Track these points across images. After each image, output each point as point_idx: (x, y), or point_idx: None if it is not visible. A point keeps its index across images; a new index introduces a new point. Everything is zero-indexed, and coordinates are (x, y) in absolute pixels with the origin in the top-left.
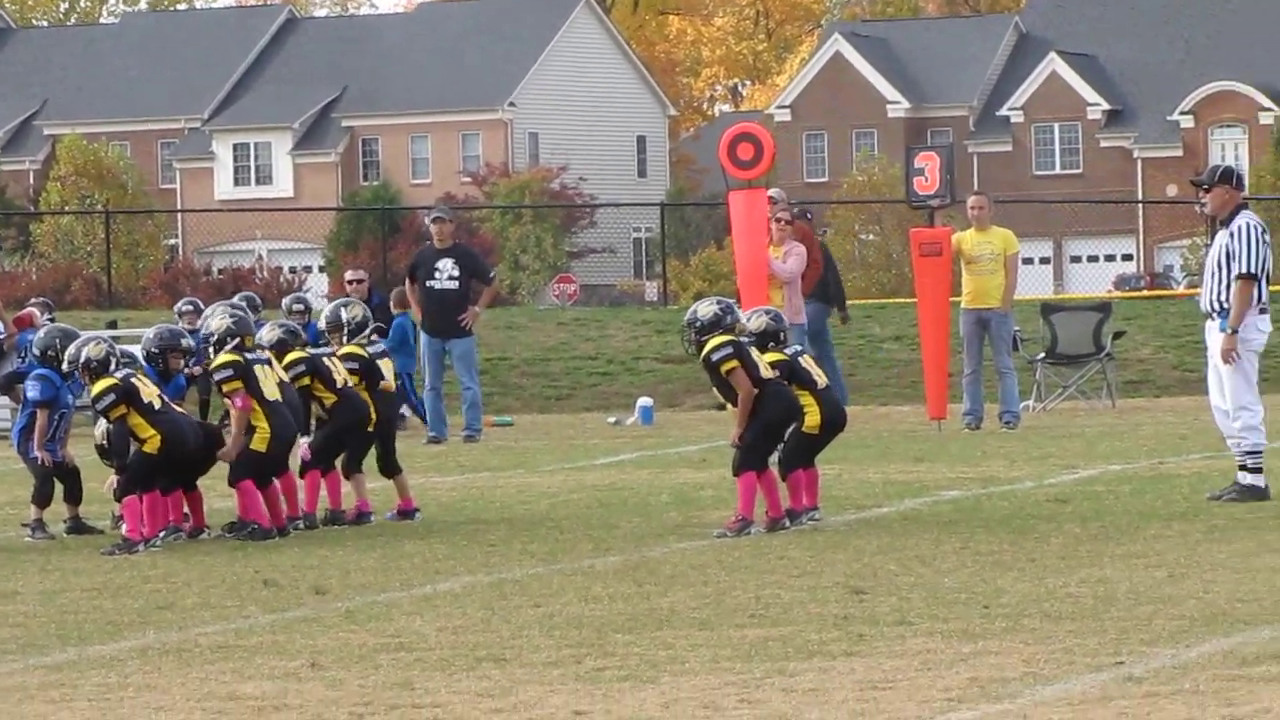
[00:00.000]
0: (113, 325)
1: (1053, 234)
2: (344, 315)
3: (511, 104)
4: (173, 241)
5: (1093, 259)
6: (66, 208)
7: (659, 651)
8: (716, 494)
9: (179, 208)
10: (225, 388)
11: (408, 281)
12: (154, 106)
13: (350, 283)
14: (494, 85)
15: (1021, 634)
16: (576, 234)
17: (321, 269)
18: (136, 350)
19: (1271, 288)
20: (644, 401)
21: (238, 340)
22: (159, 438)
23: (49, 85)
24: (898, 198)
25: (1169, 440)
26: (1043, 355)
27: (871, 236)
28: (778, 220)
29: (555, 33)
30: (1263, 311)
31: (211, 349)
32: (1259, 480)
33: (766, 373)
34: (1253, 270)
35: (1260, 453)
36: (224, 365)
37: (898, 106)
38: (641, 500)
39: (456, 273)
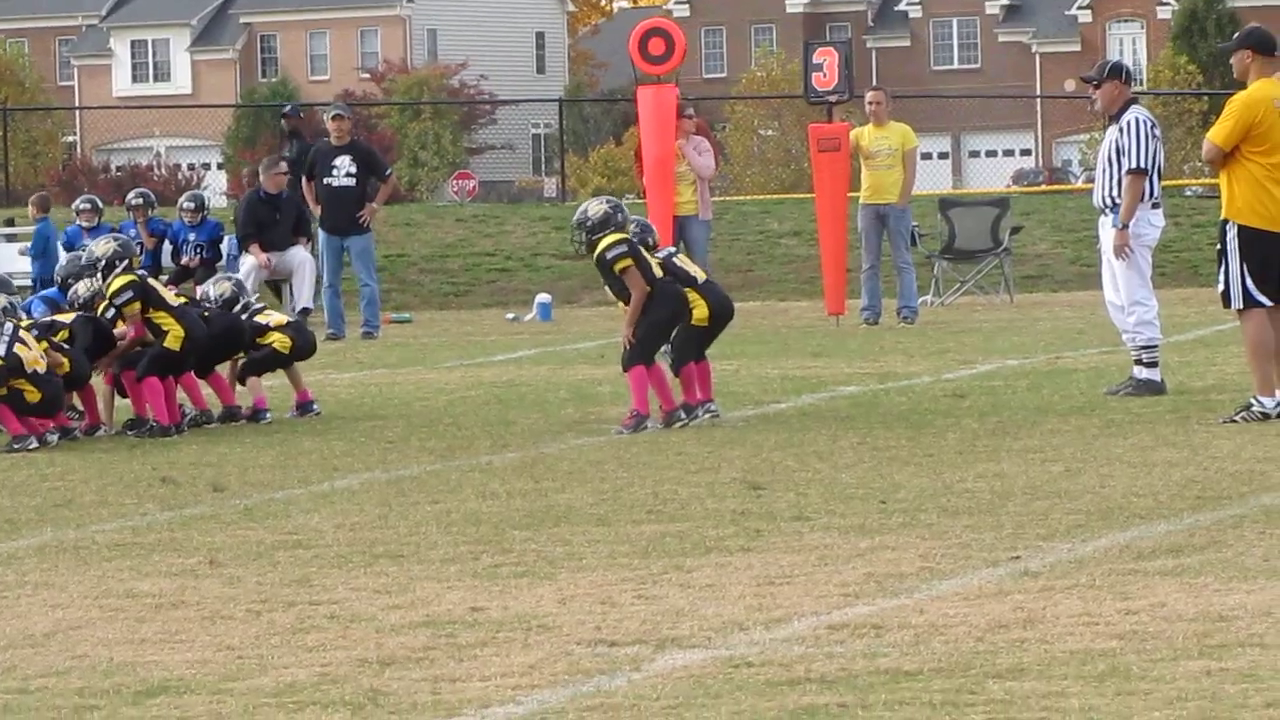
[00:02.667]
0: (10, 223)
1: (951, 129)
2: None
3: (410, 0)
4: (71, 139)
5: (991, 154)
6: None
7: (556, 548)
8: (614, 390)
9: (77, 105)
10: (126, 310)
11: (304, 179)
12: (51, 3)
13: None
14: None
15: (918, 529)
16: (475, 131)
17: (220, 166)
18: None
19: (1165, 183)
20: (542, 298)
21: (126, 262)
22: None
23: None
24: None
25: (1066, 335)
26: (941, 250)
27: (770, 132)
28: (685, 116)
29: None
30: (1155, 206)
31: (100, 275)
32: (1154, 374)
33: (657, 271)
34: (1142, 165)
35: (1155, 347)
36: (123, 288)
37: (796, 2)
38: (539, 397)
39: (354, 170)
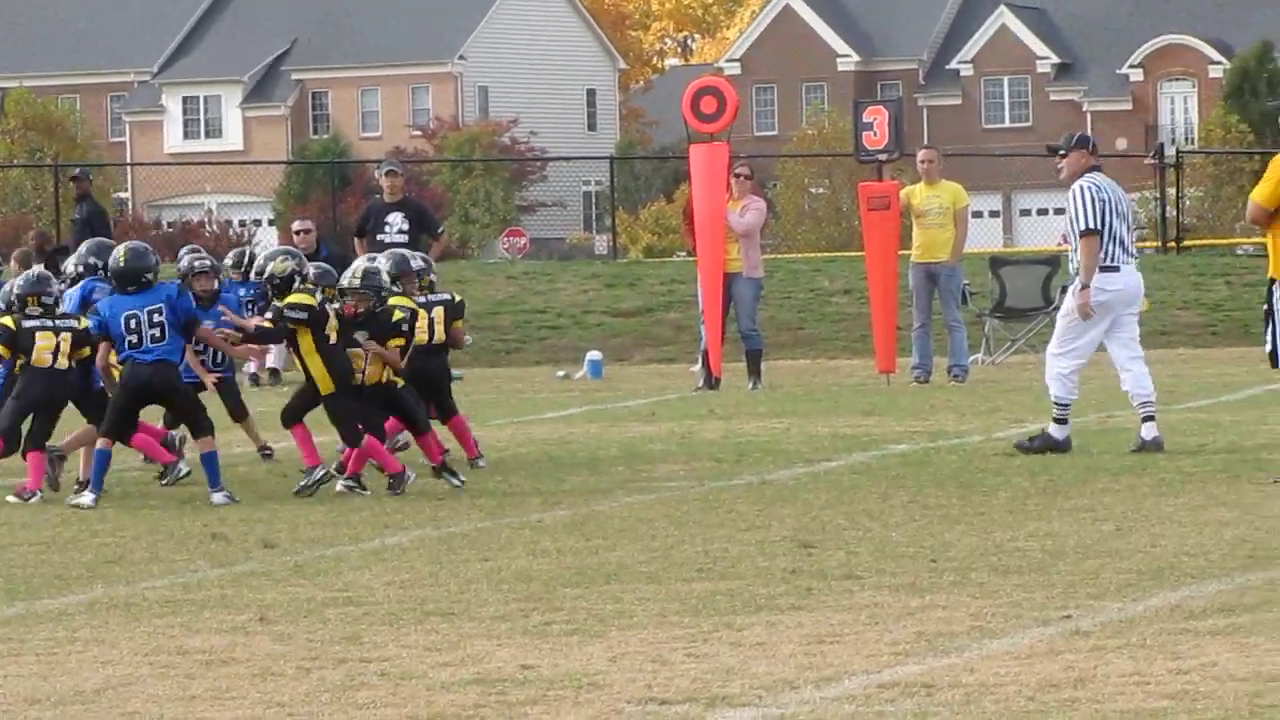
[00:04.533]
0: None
1: (1002, 187)
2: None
3: (461, 57)
4: (122, 195)
5: (1042, 212)
6: (15, 161)
7: (606, 606)
8: (666, 448)
9: (128, 161)
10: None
11: (356, 236)
12: (104, 59)
13: (297, 233)
14: (444, 38)
15: (969, 588)
16: (526, 187)
17: (271, 222)
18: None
19: (1216, 241)
20: (593, 355)
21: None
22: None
23: None
24: (847, 151)
25: (1116, 394)
26: (991, 308)
27: (821, 190)
28: (737, 176)
29: None
30: (1105, 270)
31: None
32: (1059, 431)
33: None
34: (1091, 226)
35: (1066, 405)
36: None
37: (847, 60)
38: (590, 454)
39: (406, 227)
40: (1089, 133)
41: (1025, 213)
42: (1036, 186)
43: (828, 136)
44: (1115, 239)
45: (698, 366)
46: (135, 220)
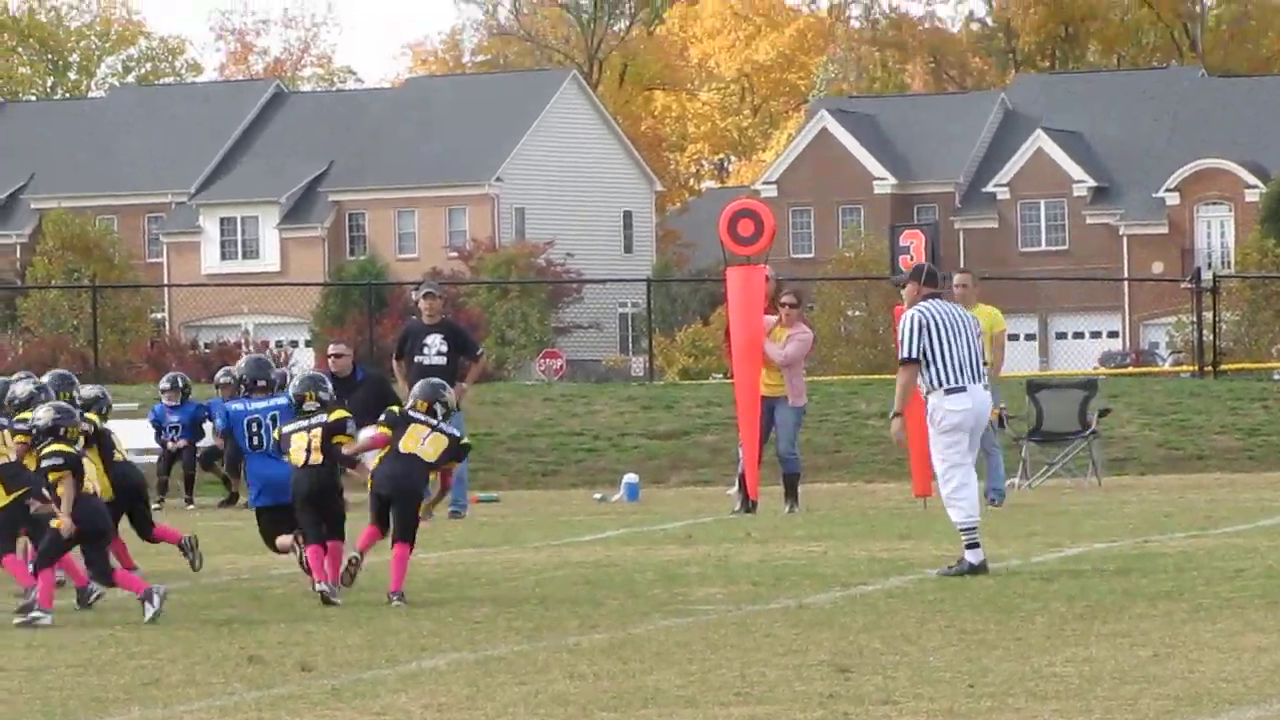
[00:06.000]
0: None
1: (1039, 310)
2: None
3: (498, 179)
4: (159, 315)
5: (1078, 335)
6: (53, 282)
7: None
8: (702, 571)
9: (166, 282)
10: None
11: (395, 358)
12: (141, 180)
13: (332, 356)
14: (481, 160)
15: (1007, 713)
16: (563, 309)
17: (308, 343)
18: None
19: (1253, 365)
20: (629, 478)
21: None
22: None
23: (36, 159)
24: (883, 274)
25: (1154, 518)
26: (1028, 432)
27: (857, 313)
28: (783, 304)
29: (542, 108)
30: (951, 391)
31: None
32: (973, 556)
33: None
34: (909, 355)
35: (972, 529)
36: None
37: (884, 183)
38: (627, 577)
39: (445, 348)
40: (927, 262)
41: (1061, 336)
42: (1073, 310)
43: (864, 259)
44: (956, 362)
45: (734, 489)
46: (172, 341)
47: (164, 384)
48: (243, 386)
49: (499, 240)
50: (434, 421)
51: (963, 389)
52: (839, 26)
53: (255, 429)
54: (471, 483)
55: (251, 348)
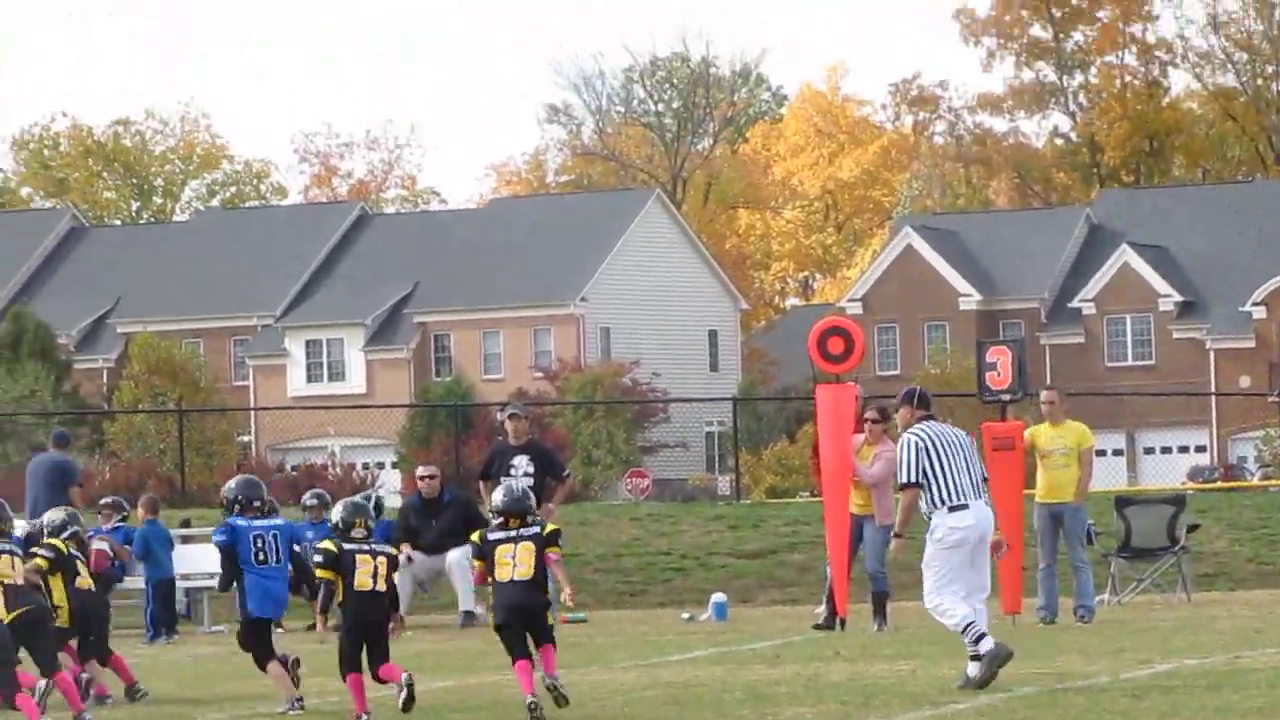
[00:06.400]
0: (186, 524)
1: (1126, 426)
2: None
3: (583, 299)
4: (246, 439)
5: (1166, 450)
6: (140, 406)
7: None
8: (791, 691)
9: (252, 405)
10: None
11: (481, 479)
12: (226, 304)
13: (422, 479)
14: (565, 280)
15: None
16: (649, 428)
17: (394, 465)
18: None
19: None
20: (717, 597)
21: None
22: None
23: (121, 283)
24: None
25: (1244, 634)
26: (1117, 548)
27: None
28: (871, 420)
29: (626, 227)
30: (955, 509)
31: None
32: (985, 646)
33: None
34: (909, 479)
35: (968, 625)
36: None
37: (969, 299)
38: (715, 697)
39: (532, 469)
40: (917, 387)
41: (1149, 451)
42: (1160, 424)
43: (950, 376)
44: (955, 480)
45: (821, 607)
46: (259, 464)
47: (309, 499)
48: (237, 505)
49: (584, 360)
50: (511, 534)
51: (965, 506)
52: (923, 142)
53: (260, 544)
54: (559, 603)
55: (338, 469)
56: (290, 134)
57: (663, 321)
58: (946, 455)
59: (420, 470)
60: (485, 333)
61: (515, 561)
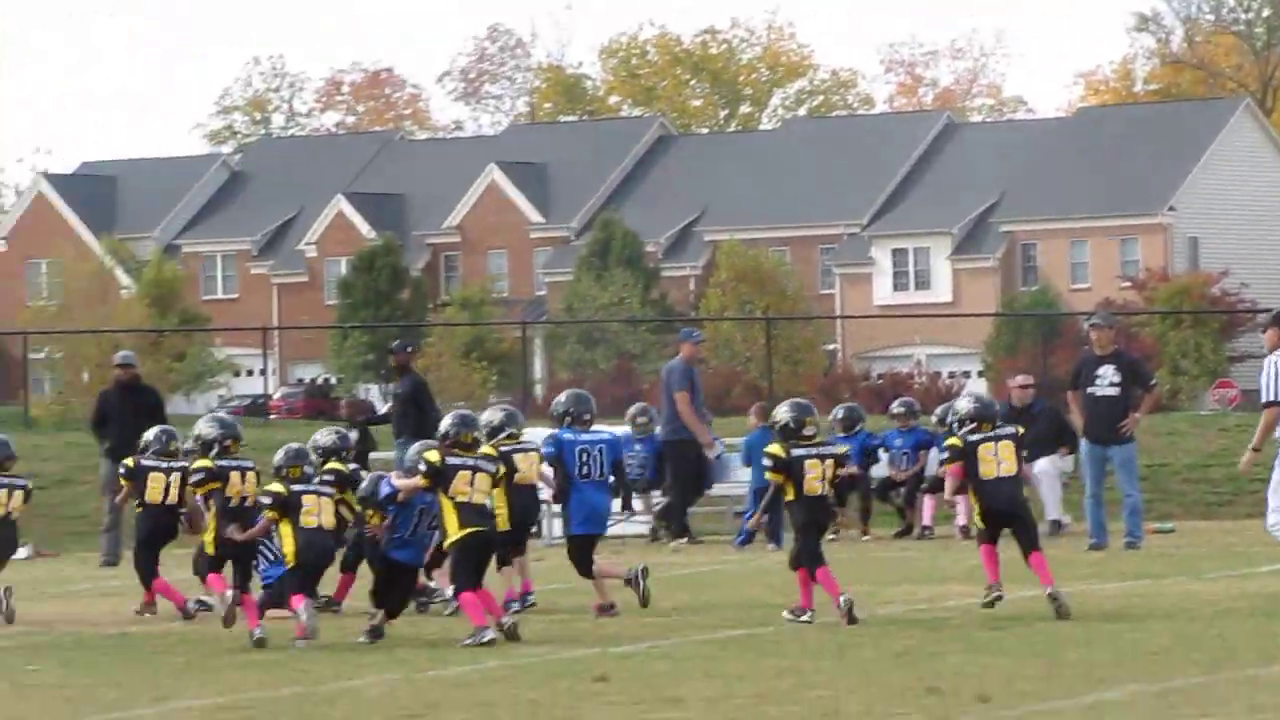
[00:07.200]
0: None
1: None
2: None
3: (1171, 208)
4: (832, 347)
5: None
6: (727, 313)
7: None
8: None
9: (838, 314)
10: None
11: (1070, 389)
12: (813, 212)
13: (1018, 387)
14: (1153, 190)
15: None
16: (1237, 338)
17: (980, 374)
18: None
19: None
20: None
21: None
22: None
23: (709, 191)
24: None
25: None
26: None
27: None
28: None
29: (1215, 136)
30: None
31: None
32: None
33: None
34: (1273, 398)
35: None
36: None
37: None
38: None
39: (1118, 379)
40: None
41: None
42: None
43: None
44: None
45: None
46: (844, 371)
47: (897, 407)
48: (567, 418)
49: (1172, 270)
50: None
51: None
52: None
53: (585, 458)
54: (1147, 513)
55: (924, 378)
56: (876, 44)
57: (1252, 231)
58: None
59: (1018, 379)
60: (1073, 241)
61: (999, 459)
